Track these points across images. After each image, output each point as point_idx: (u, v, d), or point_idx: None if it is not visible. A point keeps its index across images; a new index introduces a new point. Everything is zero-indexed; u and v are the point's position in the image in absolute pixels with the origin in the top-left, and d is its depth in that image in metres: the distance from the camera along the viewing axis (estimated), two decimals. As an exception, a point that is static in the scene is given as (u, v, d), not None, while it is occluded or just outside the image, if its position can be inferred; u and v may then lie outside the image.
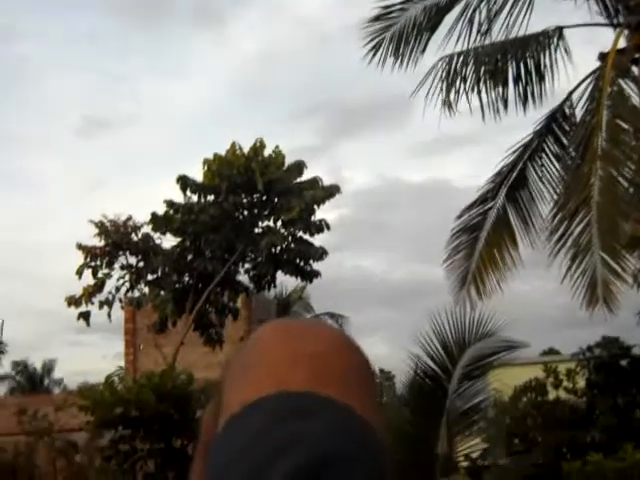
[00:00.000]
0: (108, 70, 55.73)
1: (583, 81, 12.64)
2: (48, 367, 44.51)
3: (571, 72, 12.93)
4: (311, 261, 26.04)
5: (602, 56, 12.43)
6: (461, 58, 12.99)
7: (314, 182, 25.86)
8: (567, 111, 13.12)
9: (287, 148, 28.97)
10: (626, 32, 12.57)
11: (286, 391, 0.75)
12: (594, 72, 12.45)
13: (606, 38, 12.72)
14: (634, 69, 12.33)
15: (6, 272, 47.17)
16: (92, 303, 25.23)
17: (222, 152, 25.73)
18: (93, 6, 56.99)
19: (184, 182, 25.41)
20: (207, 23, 60.21)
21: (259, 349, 0.83)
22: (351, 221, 50.51)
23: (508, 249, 13.40)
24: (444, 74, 12.94)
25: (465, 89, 12.89)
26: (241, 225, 26.17)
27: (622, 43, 12.40)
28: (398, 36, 13.33)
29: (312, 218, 25.76)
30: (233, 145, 25.86)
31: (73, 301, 25.00)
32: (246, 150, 25.78)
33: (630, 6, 12.88)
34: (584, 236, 11.22)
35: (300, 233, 26.07)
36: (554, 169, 13.20)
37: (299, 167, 25.97)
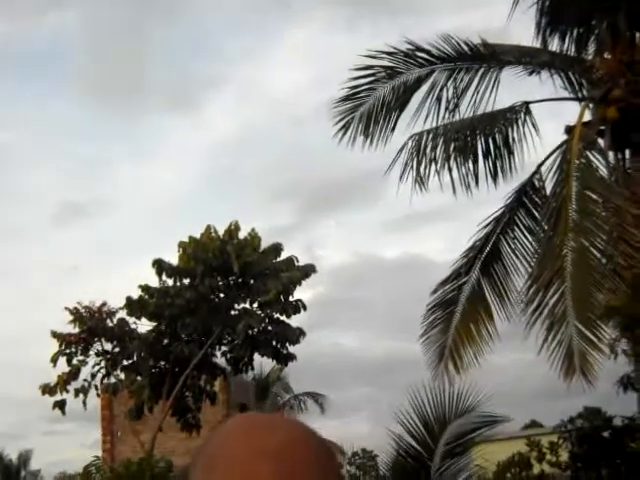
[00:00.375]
0: (84, 156, 55.94)
1: (551, 154, 12.83)
2: (24, 458, 43.49)
3: (539, 145, 13.17)
4: (288, 343, 25.91)
5: (569, 129, 12.67)
6: (430, 135, 13.19)
7: (289, 262, 25.88)
8: (537, 184, 13.28)
9: (262, 228, 29.18)
10: (591, 105, 12.82)
11: None
12: (561, 145, 12.66)
13: (572, 111, 12.99)
14: (600, 141, 12.55)
15: (-21, 360, 46.49)
16: (67, 391, 24.87)
17: (198, 235, 25.79)
18: (67, 92, 57.52)
19: (160, 266, 25.35)
20: (181, 106, 60.94)
21: (223, 445, 0.85)
22: (327, 299, 50.54)
23: (484, 323, 13.42)
24: (414, 152, 13.12)
25: (436, 166, 13.07)
26: (217, 308, 26.05)
27: (587, 116, 12.65)
28: (367, 115, 13.53)
29: (289, 299, 25.73)
30: (208, 228, 25.91)
31: (48, 390, 24.63)
32: (221, 233, 25.85)
33: (593, 80, 13.18)
34: (559, 307, 11.23)
35: (277, 314, 26.00)
36: (527, 242, 13.31)
37: (276, 249, 26.04)
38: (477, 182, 13.31)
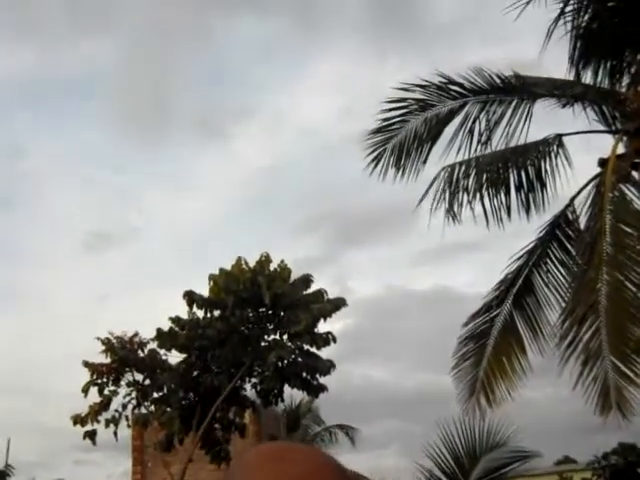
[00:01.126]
0: (115, 185, 56.55)
1: (584, 187, 12.75)
2: (55, 487, 43.60)
3: (572, 178, 13.09)
4: (319, 375, 25.84)
5: (602, 162, 12.58)
6: (463, 167, 13.17)
7: (319, 294, 25.91)
8: (570, 217, 13.19)
9: (292, 259, 29.28)
10: (624, 138, 12.75)
11: None
12: (595, 178, 12.58)
13: (605, 144, 12.91)
14: (634, 174, 12.45)
15: (12, 388, 46.77)
16: (98, 421, 24.95)
17: (228, 266, 25.88)
18: (96, 121, 58.19)
19: (190, 297, 25.47)
20: (212, 136, 61.46)
21: (245, 473, 0.88)
22: (358, 330, 50.43)
23: (517, 356, 13.29)
24: (446, 184, 13.09)
25: (468, 198, 13.02)
26: (248, 339, 26.08)
27: (621, 149, 12.57)
28: (399, 147, 13.56)
29: (319, 331, 25.71)
30: (239, 260, 26.04)
31: (79, 420, 24.73)
32: (252, 264, 25.93)
33: (627, 113, 13.11)
34: (594, 342, 11.11)
35: (307, 346, 25.97)
36: (560, 275, 13.21)
37: (306, 281, 26.10)
38: (509, 214, 13.25)
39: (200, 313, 25.76)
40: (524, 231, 13.71)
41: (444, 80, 13.36)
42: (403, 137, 13.55)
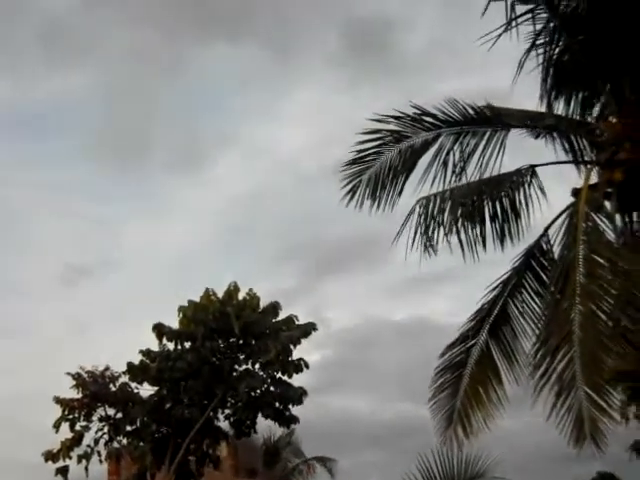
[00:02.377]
0: (91, 215, 56.02)
1: (558, 217, 12.83)
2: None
3: (546, 208, 13.22)
4: (291, 404, 25.73)
5: (575, 192, 12.68)
6: (438, 200, 13.27)
7: (289, 321, 25.92)
8: (544, 247, 13.28)
9: (269, 289, 29.12)
10: (597, 168, 12.88)
11: None
12: (568, 208, 12.67)
13: (578, 174, 13.05)
14: (607, 204, 12.56)
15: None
16: (70, 457, 24.64)
17: (197, 298, 25.82)
18: (75, 152, 57.83)
19: (160, 330, 25.37)
20: (189, 165, 61.23)
21: None
22: (335, 361, 50.16)
23: (493, 386, 13.31)
24: (422, 217, 13.19)
25: (444, 229, 13.11)
26: (219, 370, 25.97)
27: (594, 179, 12.70)
28: (374, 179, 13.64)
29: (290, 358, 25.64)
30: (207, 291, 26.01)
31: (51, 456, 24.40)
32: (220, 294, 25.89)
33: (599, 143, 13.26)
34: (567, 372, 11.11)
35: (279, 374, 25.88)
36: (535, 305, 13.27)
37: (274, 308, 26.11)
38: (484, 245, 13.35)
39: (171, 345, 25.65)
40: (501, 260, 13.81)
41: (418, 111, 13.47)
42: (378, 168, 13.64)
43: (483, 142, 13.43)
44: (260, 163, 59.69)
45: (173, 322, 25.78)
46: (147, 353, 25.52)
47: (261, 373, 26.01)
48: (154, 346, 25.64)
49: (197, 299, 25.93)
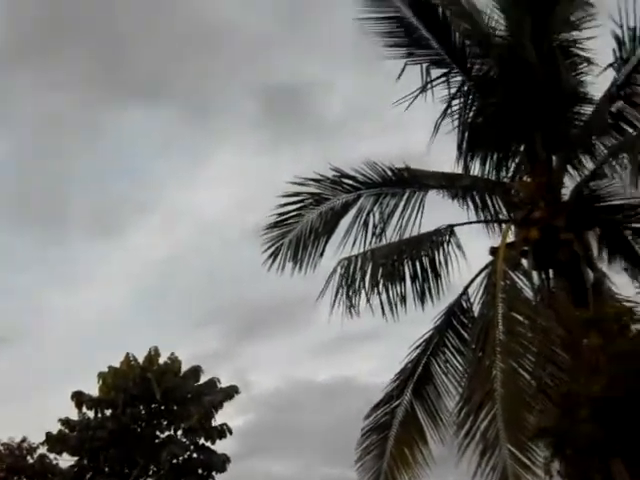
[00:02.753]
0: (6, 283, 54.77)
1: (477, 275, 12.99)
2: None
3: (465, 267, 13.38)
4: (215, 472, 25.29)
5: (493, 251, 12.88)
6: (359, 261, 13.33)
7: (212, 384, 25.59)
8: (465, 305, 13.40)
9: (191, 354, 28.66)
10: (513, 227, 13.12)
11: None
12: (487, 266, 12.83)
13: (496, 233, 13.28)
14: (524, 262, 12.77)
15: None
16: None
17: (117, 364, 25.37)
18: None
19: (79, 398, 24.80)
20: (107, 231, 60.44)
21: None
22: (259, 426, 49.42)
23: (418, 446, 13.26)
24: (343, 277, 13.22)
25: (365, 290, 13.15)
26: (141, 437, 25.42)
27: (511, 237, 12.92)
28: (296, 241, 13.68)
29: (213, 423, 25.28)
30: (127, 356, 25.57)
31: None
32: (141, 360, 25.49)
33: (514, 202, 13.54)
34: (491, 430, 11.11)
35: (202, 440, 25.45)
36: (457, 363, 13.33)
37: (196, 372, 25.76)
38: (405, 305, 13.41)
39: (91, 413, 25.05)
40: (424, 319, 13.88)
41: (337, 174, 13.61)
42: (300, 231, 13.69)
43: (402, 203, 13.62)
44: (180, 227, 59.37)
45: (93, 389, 25.21)
46: (66, 422, 24.85)
47: (184, 440, 25.50)
48: (74, 415, 24.99)
49: (118, 365, 25.44)
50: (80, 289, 58.26)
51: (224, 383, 25.93)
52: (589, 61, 13.57)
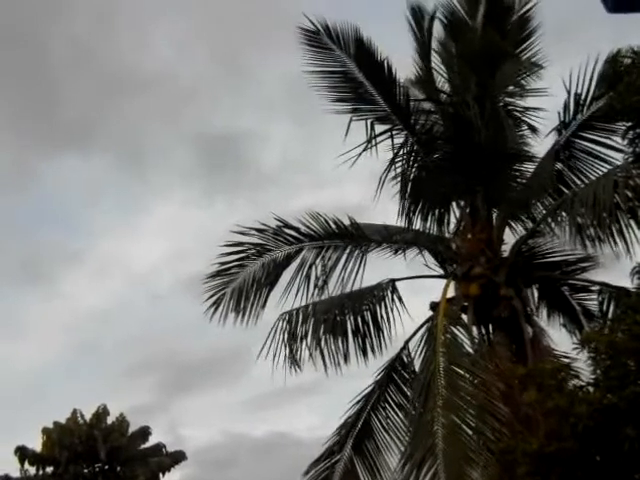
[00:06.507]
0: None
1: (418, 330, 13.03)
2: None
3: (407, 321, 13.38)
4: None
5: (433, 305, 12.94)
6: (301, 315, 13.25)
7: (157, 448, 25.22)
8: (405, 359, 13.37)
9: (123, 407, 28.08)
10: (454, 282, 13.19)
11: None
12: (428, 321, 12.87)
13: (437, 287, 13.32)
14: (464, 316, 12.82)
15: None
16: None
17: (63, 420, 24.83)
18: None
19: (22, 454, 24.16)
20: (36, 280, 59.44)
21: None
22: (195, 481, 48.56)
23: (358, 504, 13.09)
24: (285, 331, 13.12)
25: (306, 344, 13.06)
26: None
27: (452, 292, 12.98)
28: (238, 292, 13.54)
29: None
30: (74, 412, 25.08)
31: None
32: (88, 417, 25.02)
33: (455, 258, 13.64)
34: (434, 487, 11.02)
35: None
36: (398, 418, 13.23)
37: (144, 434, 25.37)
38: (346, 360, 13.31)
39: (32, 470, 24.37)
40: (364, 373, 13.80)
41: (280, 224, 13.58)
42: (242, 281, 13.58)
43: (344, 256, 13.63)
44: (113, 278, 58.64)
45: (32, 444, 24.53)
46: (6, 479, 24.16)
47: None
48: (14, 470, 24.25)
49: (63, 421, 24.88)
50: (10, 340, 57.01)
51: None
52: (533, 128, 13.83)
